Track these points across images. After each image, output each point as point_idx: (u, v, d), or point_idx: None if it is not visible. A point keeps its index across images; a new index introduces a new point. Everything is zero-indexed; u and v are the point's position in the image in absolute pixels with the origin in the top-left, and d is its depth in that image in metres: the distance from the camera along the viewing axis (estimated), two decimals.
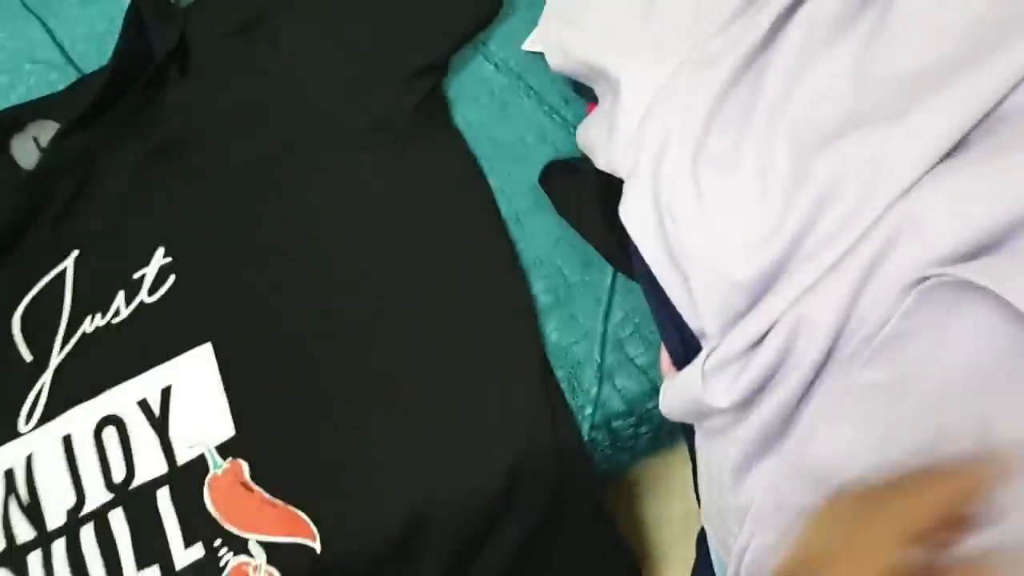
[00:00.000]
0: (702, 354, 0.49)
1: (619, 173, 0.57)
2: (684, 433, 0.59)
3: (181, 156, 0.67)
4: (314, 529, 0.55)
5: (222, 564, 0.55)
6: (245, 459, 0.57)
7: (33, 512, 0.57)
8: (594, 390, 0.57)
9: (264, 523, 0.56)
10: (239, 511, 0.56)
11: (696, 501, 0.66)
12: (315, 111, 0.67)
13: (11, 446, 0.60)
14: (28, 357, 0.62)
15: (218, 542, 0.55)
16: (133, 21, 0.70)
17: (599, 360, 0.58)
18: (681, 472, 0.75)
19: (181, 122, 0.68)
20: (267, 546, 0.55)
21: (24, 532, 0.57)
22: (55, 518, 0.57)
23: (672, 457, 0.75)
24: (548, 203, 0.64)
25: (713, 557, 0.59)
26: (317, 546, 0.55)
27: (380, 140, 0.66)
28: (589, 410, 0.57)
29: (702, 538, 0.64)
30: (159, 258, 0.64)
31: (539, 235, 0.63)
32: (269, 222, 0.64)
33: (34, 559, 0.56)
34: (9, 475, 0.59)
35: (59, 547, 0.56)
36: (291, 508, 0.56)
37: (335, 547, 0.55)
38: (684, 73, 0.53)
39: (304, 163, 0.66)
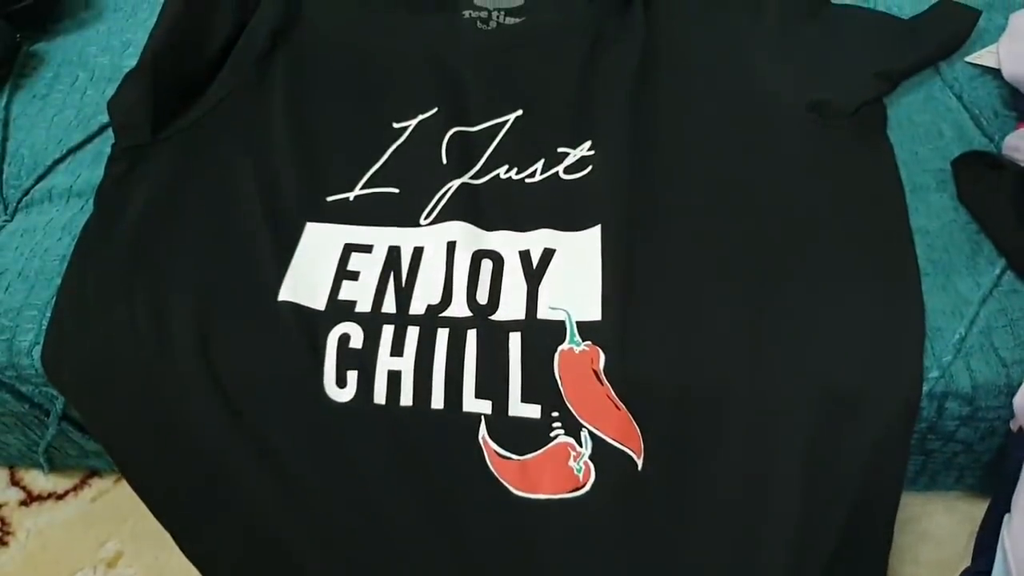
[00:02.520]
0: None
1: None
2: (1010, 448, 0.57)
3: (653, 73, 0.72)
4: (642, 443, 0.57)
5: (552, 435, 0.57)
6: (602, 349, 0.58)
7: (403, 294, 0.62)
8: (946, 358, 0.56)
9: (604, 419, 0.57)
10: (584, 396, 0.57)
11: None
12: (749, 78, 0.71)
13: (408, 231, 0.65)
14: (444, 161, 0.69)
15: (556, 414, 0.57)
16: None
17: (962, 334, 0.56)
18: (941, 521, 0.73)
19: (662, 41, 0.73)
20: (597, 440, 0.57)
21: (388, 305, 0.61)
22: (418, 307, 0.61)
23: (931, 505, 0.73)
24: (949, 188, 0.64)
25: None
26: (640, 462, 0.57)
27: (807, 117, 0.68)
28: (935, 373, 0.56)
29: None
30: (584, 149, 0.68)
31: (931, 210, 0.63)
32: (686, 144, 0.68)
33: (388, 330, 0.60)
34: (394, 252, 0.64)
35: (413, 332, 0.60)
36: (629, 415, 0.57)
37: (656, 460, 0.56)
38: None
39: (724, 112, 0.69)
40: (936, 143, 0.67)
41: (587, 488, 0.57)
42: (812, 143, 0.67)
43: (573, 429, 0.57)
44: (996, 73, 0.70)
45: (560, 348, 0.58)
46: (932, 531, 0.71)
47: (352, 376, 0.58)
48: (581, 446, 0.57)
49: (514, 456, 0.57)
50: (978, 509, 0.62)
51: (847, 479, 0.56)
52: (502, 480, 0.57)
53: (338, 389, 0.58)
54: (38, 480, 0.82)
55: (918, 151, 0.66)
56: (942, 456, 0.64)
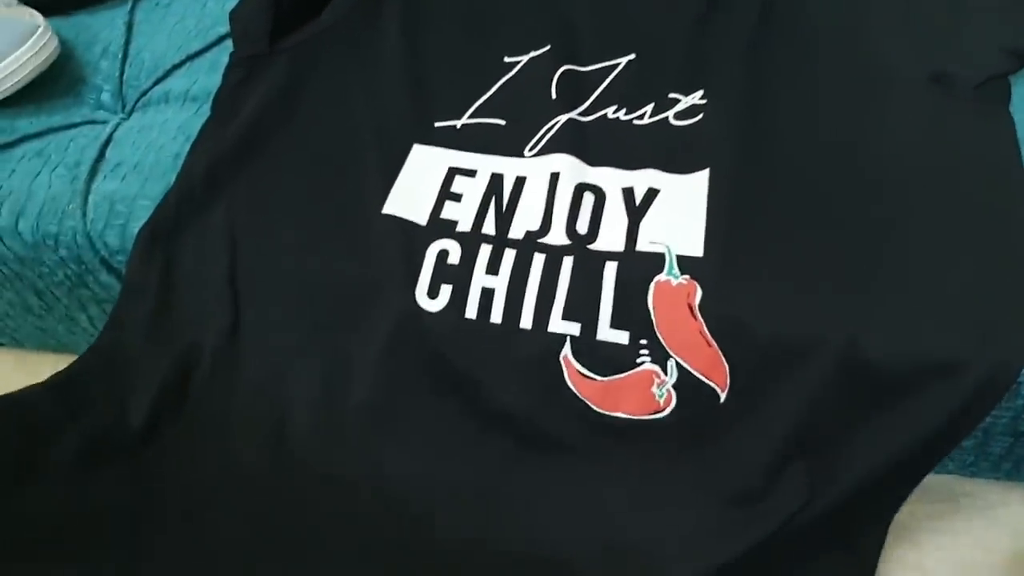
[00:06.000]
0: None
1: None
2: None
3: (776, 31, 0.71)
4: (728, 380, 0.57)
5: (638, 360, 0.57)
6: (700, 284, 0.58)
7: (503, 218, 0.63)
8: None
9: (693, 353, 0.57)
10: (675, 329, 0.57)
11: None
12: (868, 46, 0.69)
13: (512, 161, 0.66)
14: (553, 96, 0.69)
15: (644, 342, 0.57)
16: None
17: None
18: (1020, 511, 0.70)
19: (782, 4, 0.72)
20: (683, 371, 0.57)
21: (488, 227, 0.63)
22: (517, 231, 0.62)
23: (1012, 495, 0.71)
24: None
25: None
26: (723, 396, 0.57)
27: (927, 87, 0.66)
28: None
29: None
30: (696, 97, 0.68)
31: None
32: (799, 104, 0.67)
33: (486, 250, 0.61)
34: (497, 179, 0.65)
35: (509, 255, 0.61)
36: (720, 352, 0.57)
37: (739, 396, 0.57)
38: None
39: (840, 77, 0.68)
40: None
41: (666, 413, 0.57)
42: (929, 112, 0.65)
43: (660, 358, 0.57)
44: None
45: (657, 279, 0.58)
46: (1008, 520, 0.69)
47: (446, 289, 0.59)
48: (666, 374, 0.57)
49: (597, 377, 0.58)
50: None
51: (916, 439, 0.55)
52: (581, 396, 0.58)
53: (429, 300, 0.59)
54: None
55: None
56: None
